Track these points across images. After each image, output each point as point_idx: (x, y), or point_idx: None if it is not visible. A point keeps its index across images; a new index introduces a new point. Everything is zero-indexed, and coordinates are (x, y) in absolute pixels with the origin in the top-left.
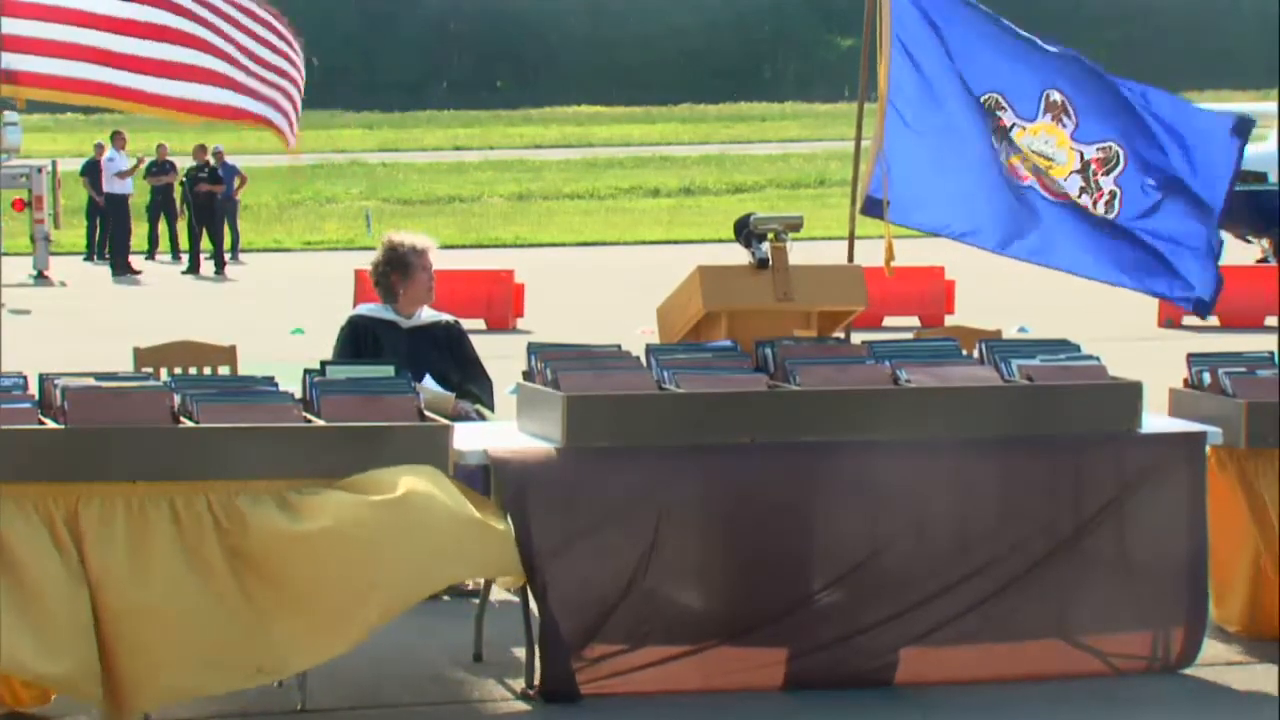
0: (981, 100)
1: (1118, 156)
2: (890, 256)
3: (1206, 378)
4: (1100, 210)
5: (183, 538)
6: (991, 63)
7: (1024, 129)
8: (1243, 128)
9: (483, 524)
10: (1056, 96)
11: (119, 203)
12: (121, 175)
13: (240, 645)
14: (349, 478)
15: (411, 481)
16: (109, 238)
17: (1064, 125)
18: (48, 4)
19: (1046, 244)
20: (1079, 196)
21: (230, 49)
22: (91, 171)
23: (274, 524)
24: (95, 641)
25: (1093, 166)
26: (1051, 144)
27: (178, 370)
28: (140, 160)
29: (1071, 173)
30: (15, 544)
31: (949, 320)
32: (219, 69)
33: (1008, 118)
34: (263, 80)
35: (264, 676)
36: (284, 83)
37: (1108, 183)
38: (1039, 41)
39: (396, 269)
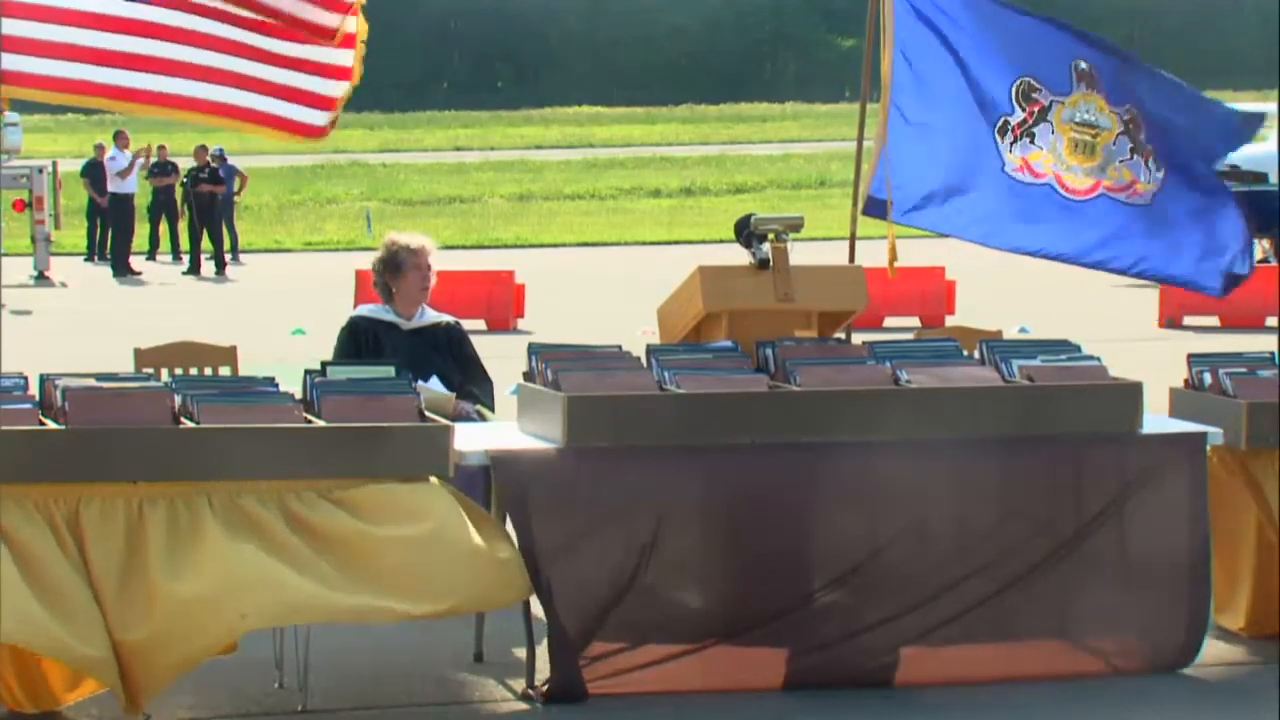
0: (1013, 86)
1: (1139, 120)
2: (893, 257)
3: (1207, 378)
4: (1151, 168)
5: (183, 535)
6: (1014, 47)
7: (1063, 103)
8: (1253, 122)
9: (491, 558)
10: (1084, 65)
11: (122, 203)
12: (123, 174)
13: (229, 595)
14: (356, 490)
15: (423, 514)
16: (110, 238)
17: (1099, 90)
18: (47, 5)
19: (1052, 239)
20: (1131, 157)
21: (242, 38)
22: (92, 172)
23: (277, 530)
24: (106, 632)
25: (1132, 126)
26: (1093, 110)
27: (178, 371)
28: (139, 155)
29: (1119, 135)
30: (21, 538)
31: (949, 321)
32: (227, 66)
33: (1043, 97)
34: (282, 65)
35: (247, 623)
36: (300, 72)
37: (1146, 141)
38: (1047, 17)
39: (389, 268)
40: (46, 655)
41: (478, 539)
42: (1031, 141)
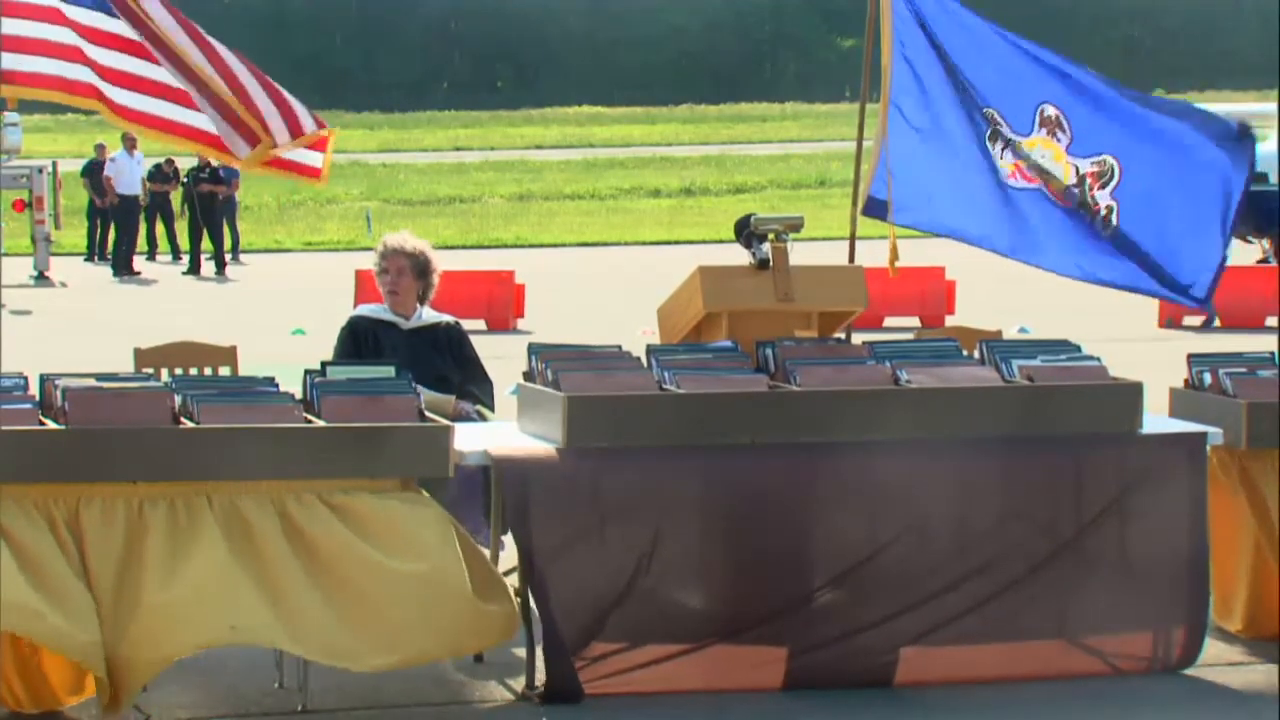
0: (983, 112)
1: (1113, 170)
2: (894, 257)
3: (1207, 378)
4: (1099, 226)
5: (183, 535)
6: (986, 77)
7: (1019, 144)
8: (1245, 132)
9: (479, 610)
10: (1051, 111)
11: (127, 204)
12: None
13: (220, 605)
14: (357, 502)
15: (420, 552)
16: (119, 238)
17: (1059, 139)
18: (45, 5)
19: (1046, 247)
20: (1078, 209)
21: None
22: (92, 172)
23: (273, 547)
24: (99, 623)
25: (1088, 181)
26: (1048, 158)
27: (178, 371)
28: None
29: (1068, 188)
30: (19, 535)
31: (949, 321)
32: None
33: (1005, 133)
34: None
35: (236, 635)
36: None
37: (1104, 197)
38: (1035, 49)
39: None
40: (43, 643)
41: (469, 588)
42: (1015, 152)
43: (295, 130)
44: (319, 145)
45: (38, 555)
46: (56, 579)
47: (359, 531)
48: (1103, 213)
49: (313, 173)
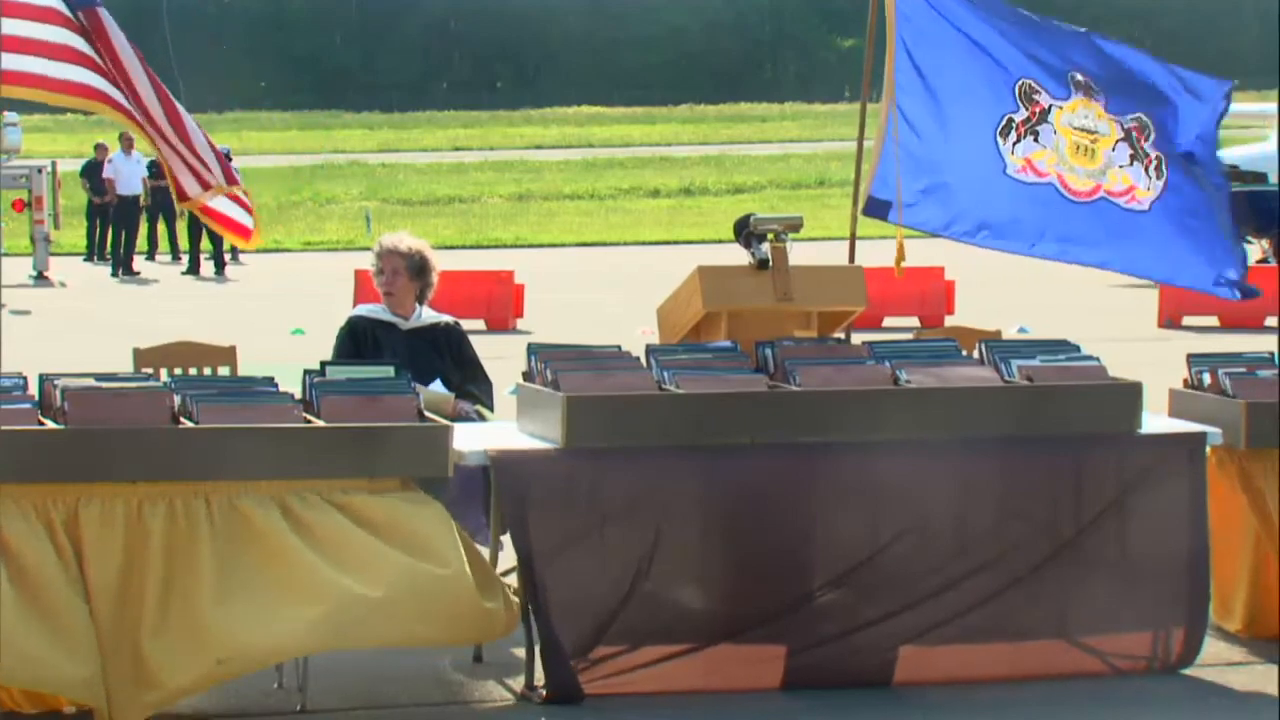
0: (1016, 85)
1: (1148, 126)
2: (901, 257)
3: (1206, 378)
4: (1152, 175)
5: (180, 539)
6: (1013, 54)
7: (1062, 107)
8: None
9: (485, 606)
10: (1080, 77)
11: (126, 204)
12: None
13: (210, 639)
14: (358, 500)
15: (425, 543)
16: (117, 238)
17: (1097, 99)
18: (45, 5)
19: (1057, 240)
20: (1130, 164)
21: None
22: (91, 172)
23: (277, 528)
24: (97, 648)
25: (1134, 134)
26: (1091, 117)
27: (178, 371)
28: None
29: (1118, 141)
30: (17, 547)
31: (949, 321)
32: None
33: (1044, 99)
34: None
35: (225, 669)
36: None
37: (1151, 149)
38: (1050, 22)
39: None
40: (43, 690)
41: (473, 582)
42: (1035, 140)
43: (229, 178)
44: (244, 204)
45: (36, 571)
46: (54, 601)
47: (364, 526)
48: (1154, 163)
49: (243, 232)
